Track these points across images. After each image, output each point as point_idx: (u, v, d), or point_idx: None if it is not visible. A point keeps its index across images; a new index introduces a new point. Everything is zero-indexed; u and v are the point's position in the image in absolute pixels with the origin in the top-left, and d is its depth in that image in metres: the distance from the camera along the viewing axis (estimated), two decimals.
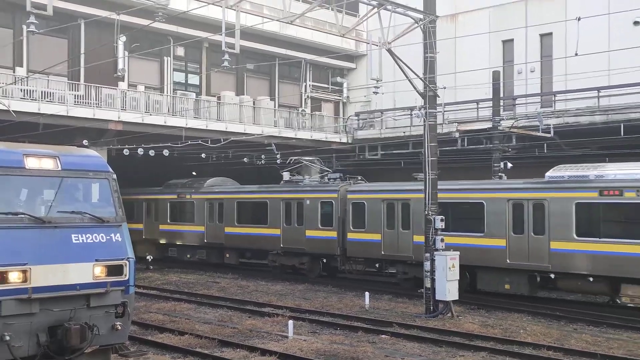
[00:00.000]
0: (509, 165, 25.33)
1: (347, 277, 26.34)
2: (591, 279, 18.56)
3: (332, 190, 25.46)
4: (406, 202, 22.80)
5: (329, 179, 26.97)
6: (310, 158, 28.71)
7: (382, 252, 23.42)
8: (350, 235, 24.39)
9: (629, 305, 19.37)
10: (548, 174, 19.99)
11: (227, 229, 29.07)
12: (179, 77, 34.05)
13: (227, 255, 29.62)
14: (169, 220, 32.28)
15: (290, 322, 15.92)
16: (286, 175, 28.38)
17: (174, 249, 32.02)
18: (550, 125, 26.42)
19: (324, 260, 26.06)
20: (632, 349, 14.53)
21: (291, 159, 28.48)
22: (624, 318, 17.91)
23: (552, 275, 19.40)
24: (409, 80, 18.67)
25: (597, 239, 18.32)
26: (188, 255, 31.41)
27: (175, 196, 32.01)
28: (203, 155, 30.60)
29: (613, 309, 19.36)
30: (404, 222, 22.83)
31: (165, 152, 28.02)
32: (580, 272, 18.69)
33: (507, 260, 20.02)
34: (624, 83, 27.19)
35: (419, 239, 20.72)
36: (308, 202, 25.91)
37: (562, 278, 19.31)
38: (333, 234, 25.03)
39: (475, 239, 20.44)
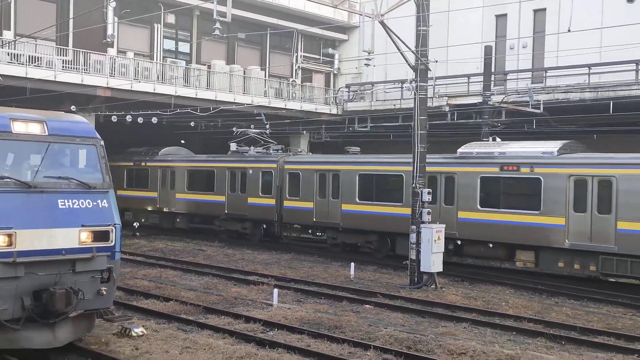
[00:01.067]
0: (498, 140, 25.42)
1: (284, 241, 28.50)
2: (491, 245, 20.77)
3: (271, 160, 27.65)
4: (336, 173, 24.96)
5: (272, 151, 29.01)
6: (258, 130, 30.20)
7: (314, 219, 25.60)
8: (287, 203, 26.64)
9: (610, 280, 19.72)
10: (459, 150, 22.18)
11: (178, 195, 31.07)
12: (169, 44, 33.76)
13: (178, 220, 31.34)
14: (125, 186, 33.51)
15: (275, 290, 16.09)
16: (233, 146, 29.97)
17: (130, 213, 33.10)
18: (540, 101, 26.50)
19: (264, 226, 28.13)
20: (611, 322, 14.83)
21: (237, 131, 29.97)
22: (605, 292, 18.24)
23: (459, 242, 21.50)
24: (401, 53, 18.63)
25: (497, 210, 20.59)
26: (142, 220, 32.58)
27: (131, 163, 33.41)
28: (192, 123, 30.54)
29: (594, 283, 19.68)
30: (334, 192, 24.98)
31: (154, 120, 27.93)
32: (482, 239, 20.88)
33: None
34: (615, 61, 27.24)
35: (347, 207, 24.25)
36: (251, 171, 28.11)
37: (468, 244, 21.47)
38: (272, 202, 27.21)
39: (395, 208, 22.75)
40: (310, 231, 26.63)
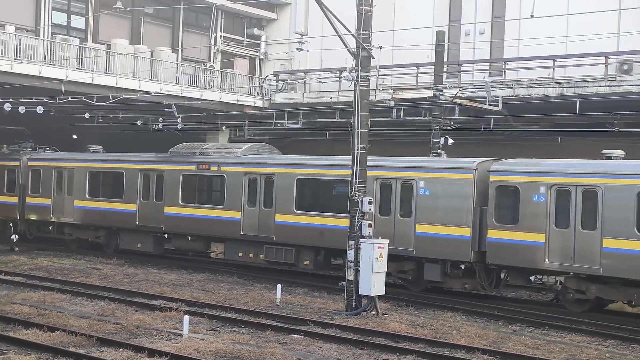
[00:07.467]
0: (450, 141, 25.93)
1: (28, 238, 32.07)
2: (190, 238, 26.54)
3: (15, 158, 32.58)
4: (71, 170, 30.40)
5: (24, 148, 33.31)
6: (18, 128, 33.10)
7: (51, 216, 30.79)
8: (29, 200, 31.59)
9: (574, 301, 20.40)
10: (171, 149, 28.12)
11: None
12: (60, 17, 33.07)
13: None
14: None
15: (186, 317, 15.97)
16: None
17: None
18: (498, 97, 27.16)
19: (12, 225, 32.09)
20: (574, 353, 15.37)
21: None
22: (568, 319, 18.88)
23: (166, 236, 27.46)
24: (340, 37, 18.79)
25: (194, 204, 26.41)
26: None
27: None
28: (87, 115, 29.99)
29: (556, 308, 20.31)
30: (69, 188, 30.27)
31: (39, 110, 27.27)
32: (184, 232, 26.68)
33: (137, 223, 27.83)
34: (582, 53, 28.19)
35: (79, 203, 29.84)
36: None
37: (174, 238, 27.47)
38: (15, 200, 32.01)
39: (118, 204, 28.47)
40: (50, 228, 31.23)
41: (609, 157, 20.14)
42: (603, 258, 18.69)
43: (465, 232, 20.69)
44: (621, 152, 20.36)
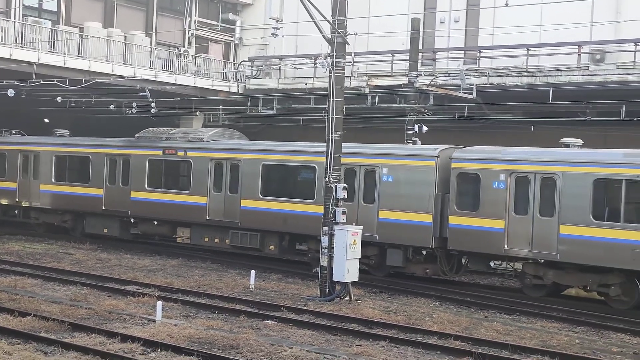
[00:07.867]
0: (425, 128, 26.02)
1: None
2: (156, 223, 27.03)
3: None
4: (37, 154, 30.44)
5: None
6: None
7: (17, 200, 30.99)
8: None
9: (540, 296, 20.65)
10: (137, 134, 28.28)
11: None
12: None
13: None
14: None
15: (159, 303, 15.93)
16: None
17: None
18: (473, 85, 27.29)
19: None
20: (545, 339, 15.54)
21: None
22: (539, 305, 19.08)
23: (132, 220, 27.82)
24: (315, 23, 18.73)
25: (160, 189, 26.65)
26: None
27: None
28: (59, 99, 29.68)
29: (527, 294, 20.53)
30: (35, 172, 30.45)
31: (10, 92, 26.97)
32: (150, 217, 27.04)
33: (103, 207, 28.06)
34: (556, 42, 28.37)
35: (45, 187, 29.99)
36: None
37: (140, 222, 27.74)
38: None
39: (83, 189, 28.74)
40: (16, 212, 31.57)
41: (567, 146, 20.42)
42: (560, 244, 19.00)
43: (427, 218, 20.96)
44: (579, 141, 20.64)
